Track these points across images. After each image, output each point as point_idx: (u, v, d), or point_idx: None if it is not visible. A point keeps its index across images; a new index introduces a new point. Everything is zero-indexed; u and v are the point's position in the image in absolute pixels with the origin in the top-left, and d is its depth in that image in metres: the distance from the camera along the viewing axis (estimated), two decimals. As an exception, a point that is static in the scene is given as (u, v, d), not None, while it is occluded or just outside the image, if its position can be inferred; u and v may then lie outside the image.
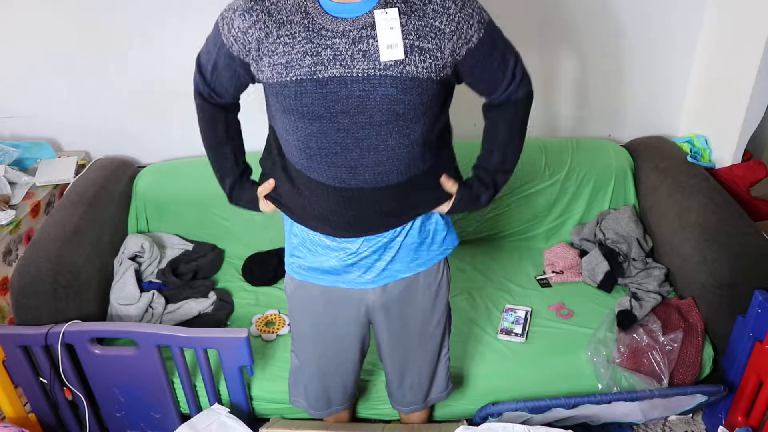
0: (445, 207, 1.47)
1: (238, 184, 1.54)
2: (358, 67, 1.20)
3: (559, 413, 1.84)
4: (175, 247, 2.34)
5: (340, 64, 1.20)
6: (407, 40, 1.21)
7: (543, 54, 2.37)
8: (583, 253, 2.30)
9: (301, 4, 1.22)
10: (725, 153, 2.29)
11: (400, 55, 1.20)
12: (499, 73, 1.36)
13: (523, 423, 1.80)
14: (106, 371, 1.86)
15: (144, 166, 2.44)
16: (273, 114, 1.36)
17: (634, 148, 2.44)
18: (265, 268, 2.30)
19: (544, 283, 2.25)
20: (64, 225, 2.02)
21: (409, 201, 1.40)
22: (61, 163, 2.38)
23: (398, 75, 1.21)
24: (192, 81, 1.46)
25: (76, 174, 2.34)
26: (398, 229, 1.43)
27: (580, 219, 2.41)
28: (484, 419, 1.85)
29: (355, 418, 1.98)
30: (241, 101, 1.52)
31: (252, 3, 1.25)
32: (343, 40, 1.20)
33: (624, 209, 2.33)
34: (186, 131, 2.44)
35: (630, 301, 2.04)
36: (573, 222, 2.42)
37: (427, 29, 1.22)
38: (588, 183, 2.37)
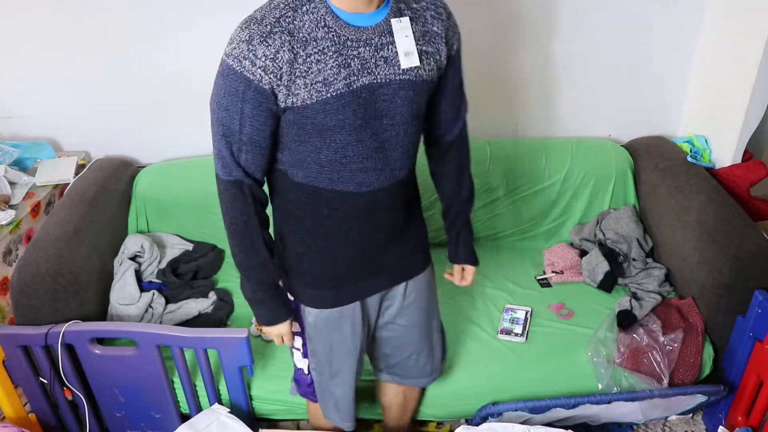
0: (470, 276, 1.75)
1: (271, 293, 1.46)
2: (381, 73, 1.25)
3: (559, 413, 1.84)
4: (175, 247, 2.35)
5: (368, 72, 1.24)
6: (417, 46, 1.28)
7: (543, 54, 2.37)
8: (583, 253, 2.30)
9: (319, 19, 1.21)
10: (725, 153, 2.29)
11: (417, 62, 1.28)
12: (456, 96, 1.45)
13: (523, 423, 1.80)
14: (106, 371, 1.86)
15: (144, 166, 2.45)
16: (294, 151, 1.31)
17: (634, 148, 2.44)
18: (265, 268, 2.30)
19: (544, 283, 2.25)
20: (64, 225, 2.02)
21: (406, 193, 1.46)
22: (61, 163, 2.38)
23: (414, 78, 1.28)
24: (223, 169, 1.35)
25: (76, 174, 2.34)
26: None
27: (580, 219, 2.41)
28: (484, 419, 1.85)
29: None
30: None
31: (269, 27, 1.19)
32: (367, 48, 1.23)
33: (624, 209, 2.33)
34: (186, 131, 2.45)
35: (630, 301, 2.04)
36: (573, 222, 2.42)
37: (429, 35, 1.30)
38: (588, 183, 2.37)
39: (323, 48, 1.20)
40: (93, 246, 2.06)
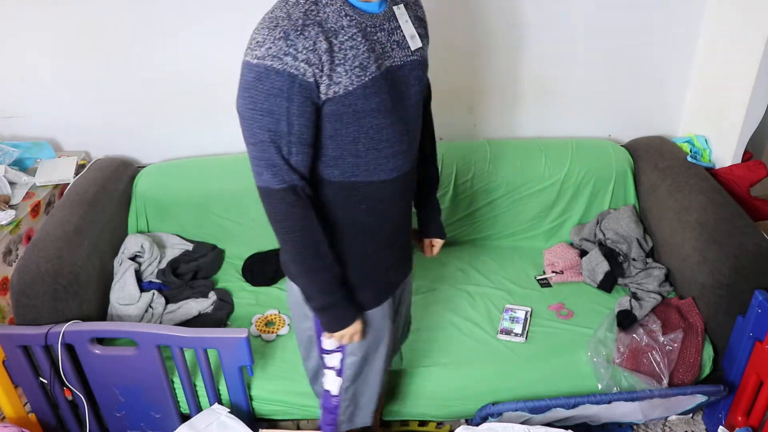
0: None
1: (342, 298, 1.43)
2: (397, 56, 1.31)
3: (559, 413, 1.84)
4: (175, 247, 2.35)
5: (387, 56, 1.29)
6: (415, 29, 1.36)
7: (543, 54, 2.37)
8: (583, 253, 2.30)
9: (339, 9, 1.23)
10: (725, 153, 2.29)
11: (419, 44, 1.36)
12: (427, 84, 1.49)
13: (523, 423, 1.80)
14: (106, 371, 1.86)
15: (144, 166, 2.45)
16: (330, 148, 1.30)
17: (634, 148, 2.44)
18: (265, 268, 2.30)
19: (544, 283, 2.25)
20: (64, 225, 2.02)
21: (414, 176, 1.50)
22: (61, 163, 2.38)
23: (420, 59, 1.37)
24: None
25: (76, 174, 2.33)
26: None
27: (580, 219, 2.41)
28: (484, 419, 1.85)
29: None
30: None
31: (302, 20, 1.19)
32: (382, 33, 1.29)
33: (624, 209, 2.33)
34: (186, 131, 2.45)
35: (630, 301, 2.04)
36: (573, 222, 2.42)
37: (419, 20, 1.40)
38: (588, 183, 2.37)
39: (352, 35, 1.23)
40: (93, 246, 2.06)
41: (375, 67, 1.25)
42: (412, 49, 1.34)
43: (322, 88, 1.21)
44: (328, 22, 1.21)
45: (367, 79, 1.24)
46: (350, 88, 1.23)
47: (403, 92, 1.33)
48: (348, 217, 1.39)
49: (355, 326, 1.44)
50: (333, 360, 1.55)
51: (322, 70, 1.20)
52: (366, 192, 1.36)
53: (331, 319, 1.42)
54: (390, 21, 1.31)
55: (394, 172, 1.36)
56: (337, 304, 1.41)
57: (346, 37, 1.22)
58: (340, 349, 1.53)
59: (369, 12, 1.27)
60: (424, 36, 1.40)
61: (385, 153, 1.33)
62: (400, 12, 1.33)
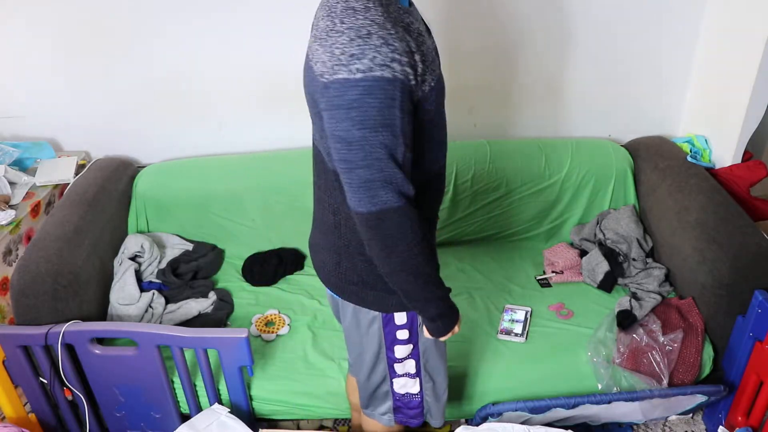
0: None
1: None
2: (426, 49, 1.26)
3: (559, 413, 1.84)
4: (175, 247, 2.35)
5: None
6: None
7: (543, 54, 2.37)
8: (583, 253, 2.30)
9: (399, 8, 1.22)
10: (725, 153, 2.29)
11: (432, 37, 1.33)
12: None
13: (523, 423, 1.80)
14: (106, 371, 1.86)
15: (144, 166, 2.45)
16: (419, 142, 1.28)
17: (634, 148, 2.44)
18: (265, 268, 2.30)
19: (544, 283, 2.25)
20: (64, 225, 2.02)
21: None
22: (61, 163, 2.38)
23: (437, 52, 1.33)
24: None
25: (76, 174, 2.34)
26: None
27: (580, 219, 2.41)
28: (484, 419, 1.85)
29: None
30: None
31: (389, 23, 1.15)
32: (415, 26, 1.25)
33: (624, 209, 2.33)
34: (186, 131, 2.45)
35: (630, 301, 2.04)
36: (573, 222, 2.42)
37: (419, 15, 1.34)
38: (588, 183, 2.37)
39: (418, 31, 1.23)
40: (93, 246, 2.06)
41: (434, 59, 1.26)
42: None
43: (416, 87, 1.18)
44: (401, 21, 1.18)
45: (437, 70, 1.25)
46: (433, 85, 1.21)
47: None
48: (425, 211, 1.38)
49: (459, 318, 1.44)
50: (406, 367, 1.54)
51: (416, 71, 1.16)
52: (437, 183, 1.40)
53: (450, 318, 1.39)
54: (411, 14, 1.27)
55: (442, 158, 1.38)
56: (451, 304, 1.39)
57: (416, 34, 1.20)
58: (414, 353, 1.52)
59: (405, 7, 1.25)
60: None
61: (441, 139, 1.35)
62: (416, 8, 1.32)
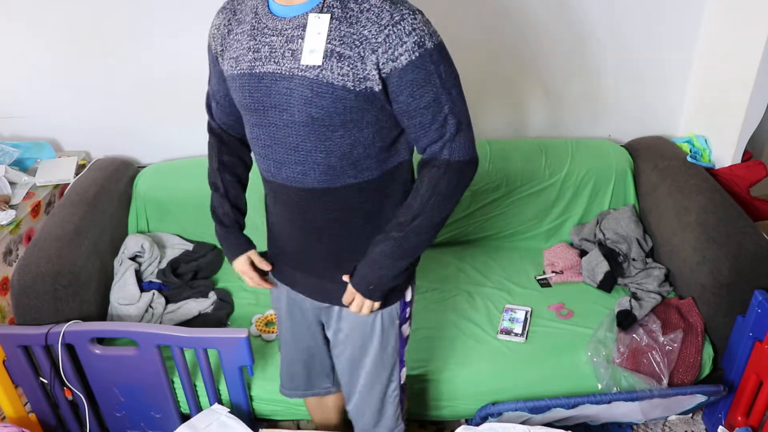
0: (348, 297, 1.43)
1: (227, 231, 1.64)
2: (286, 65, 1.24)
3: (559, 413, 1.84)
4: (175, 247, 2.35)
5: (274, 61, 1.25)
6: (330, 45, 1.20)
7: (543, 55, 2.37)
8: (583, 253, 2.30)
9: (254, 5, 1.31)
10: (725, 153, 2.29)
11: (318, 61, 1.20)
12: (427, 116, 1.26)
13: (523, 423, 1.80)
14: (106, 371, 1.86)
15: (144, 166, 2.45)
16: None
17: (634, 148, 2.44)
18: (265, 268, 2.30)
19: (544, 283, 2.25)
20: (64, 225, 2.02)
21: (332, 216, 1.37)
22: (61, 163, 2.38)
23: (314, 78, 1.21)
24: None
25: (76, 174, 2.34)
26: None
27: (580, 219, 2.41)
28: (484, 419, 1.85)
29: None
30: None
31: (225, 3, 1.39)
32: (278, 38, 1.25)
33: (624, 209, 2.33)
34: (186, 131, 2.45)
35: (630, 301, 2.04)
36: (573, 222, 2.42)
37: (354, 37, 1.19)
38: (588, 183, 2.37)
39: (245, 30, 1.30)
40: (93, 246, 2.06)
41: (247, 66, 1.30)
42: (303, 63, 1.21)
43: (219, 61, 1.42)
44: (241, 12, 1.35)
45: (235, 72, 1.33)
46: (226, 75, 1.37)
47: (278, 102, 1.26)
48: (266, 195, 1.56)
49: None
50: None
51: (217, 48, 1.41)
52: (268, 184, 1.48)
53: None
54: (296, 29, 1.22)
55: (267, 174, 1.39)
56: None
57: (240, 30, 1.33)
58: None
59: (277, 16, 1.26)
60: (352, 58, 1.19)
61: (257, 151, 1.38)
62: (317, 22, 1.20)
